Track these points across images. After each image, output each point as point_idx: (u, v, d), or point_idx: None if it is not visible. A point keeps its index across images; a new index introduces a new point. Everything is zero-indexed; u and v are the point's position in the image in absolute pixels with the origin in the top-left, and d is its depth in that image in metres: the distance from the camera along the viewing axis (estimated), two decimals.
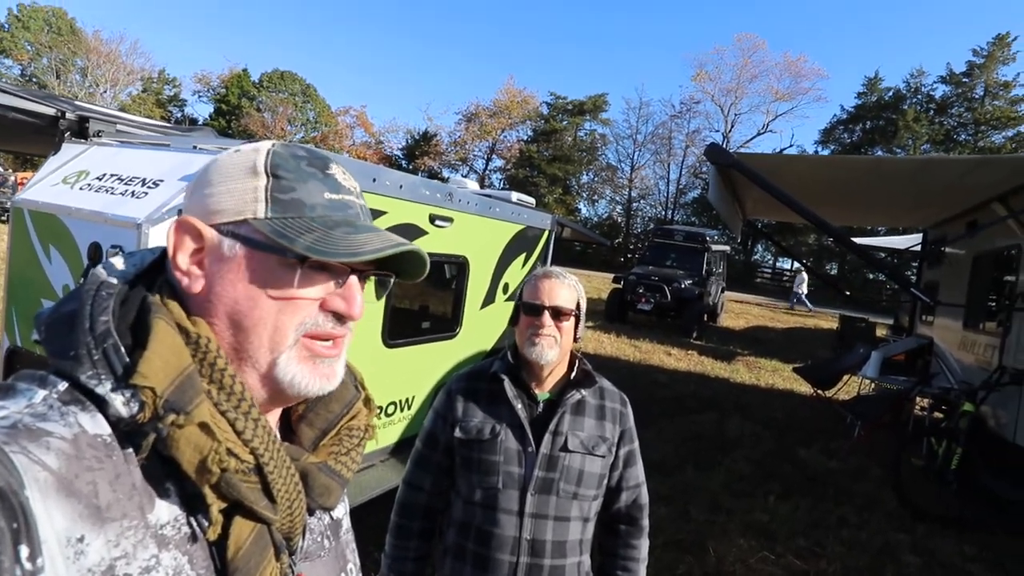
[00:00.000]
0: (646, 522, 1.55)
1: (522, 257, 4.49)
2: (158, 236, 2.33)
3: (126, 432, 0.51)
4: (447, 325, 3.89)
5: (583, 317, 1.49)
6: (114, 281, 0.57)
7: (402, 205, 3.12)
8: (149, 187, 2.53)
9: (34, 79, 37.12)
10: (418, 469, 1.52)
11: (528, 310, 1.43)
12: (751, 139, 38.12)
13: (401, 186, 3.06)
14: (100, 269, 0.59)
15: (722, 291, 16.25)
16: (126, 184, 2.62)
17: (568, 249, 31.15)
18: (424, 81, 78.47)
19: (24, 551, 0.41)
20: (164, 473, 0.53)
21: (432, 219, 3.37)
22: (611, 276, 16.32)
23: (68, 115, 3.04)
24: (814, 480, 5.18)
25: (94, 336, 0.52)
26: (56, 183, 2.83)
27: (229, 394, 0.56)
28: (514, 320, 1.50)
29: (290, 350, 0.59)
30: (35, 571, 0.41)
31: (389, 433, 3.48)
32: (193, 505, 0.54)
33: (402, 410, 3.54)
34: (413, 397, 3.61)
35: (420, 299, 3.92)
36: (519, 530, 1.37)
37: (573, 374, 1.48)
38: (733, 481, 4.96)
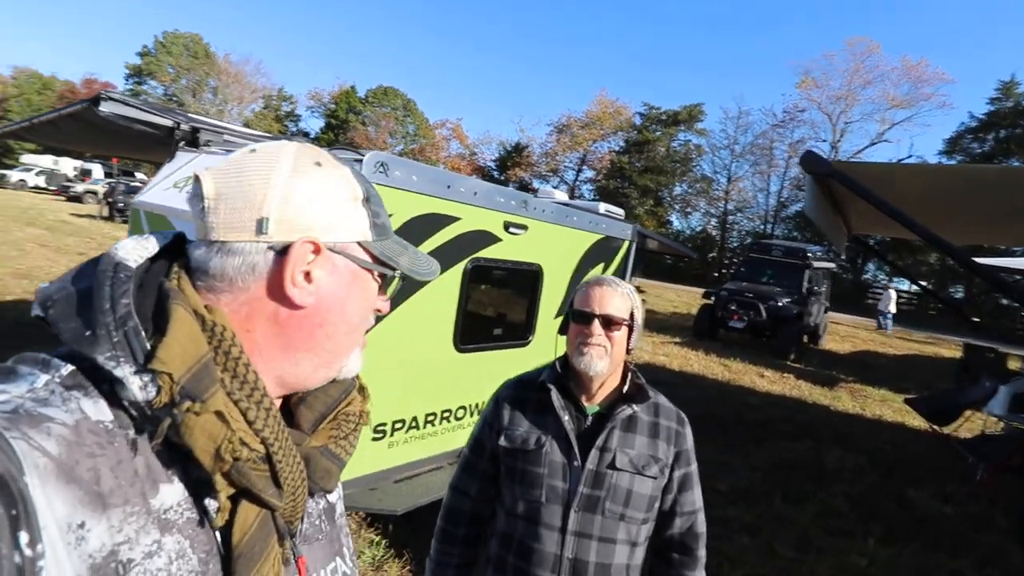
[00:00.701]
0: (703, 552, 1.43)
1: (600, 267, 4.40)
2: None
3: (135, 417, 0.52)
4: (519, 333, 3.88)
5: (638, 327, 1.40)
6: (130, 263, 0.57)
7: (476, 212, 3.15)
8: None
9: (175, 98, 41.75)
10: (464, 475, 1.50)
11: (578, 318, 1.37)
12: (863, 149, 35.20)
13: (475, 193, 3.09)
14: (114, 250, 0.58)
15: (825, 311, 15.07)
16: None
17: (658, 262, 30.25)
18: (517, 94, 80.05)
19: (24, 537, 0.41)
20: (167, 459, 0.53)
21: (507, 226, 3.38)
22: (702, 291, 15.65)
23: (182, 126, 3.37)
24: (924, 524, 4.62)
25: (115, 317, 0.51)
26: (168, 187, 3.13)
27: (243, 383, 0.56)
28: (564, 329, 1.44)
29: (359, 346, 0.68)
30: (35, 557, 0.42)
31: (458, 437, 3.51)
32: (196, 491, 0.54)
33: (472, 415, 3.56)
34: (484, 403, 3.62)
35: (493, 306, 3.94)
36: (561, 547, 1.31)
37: (625, 387, 1.40)
38: (828, 517, 4.53)
